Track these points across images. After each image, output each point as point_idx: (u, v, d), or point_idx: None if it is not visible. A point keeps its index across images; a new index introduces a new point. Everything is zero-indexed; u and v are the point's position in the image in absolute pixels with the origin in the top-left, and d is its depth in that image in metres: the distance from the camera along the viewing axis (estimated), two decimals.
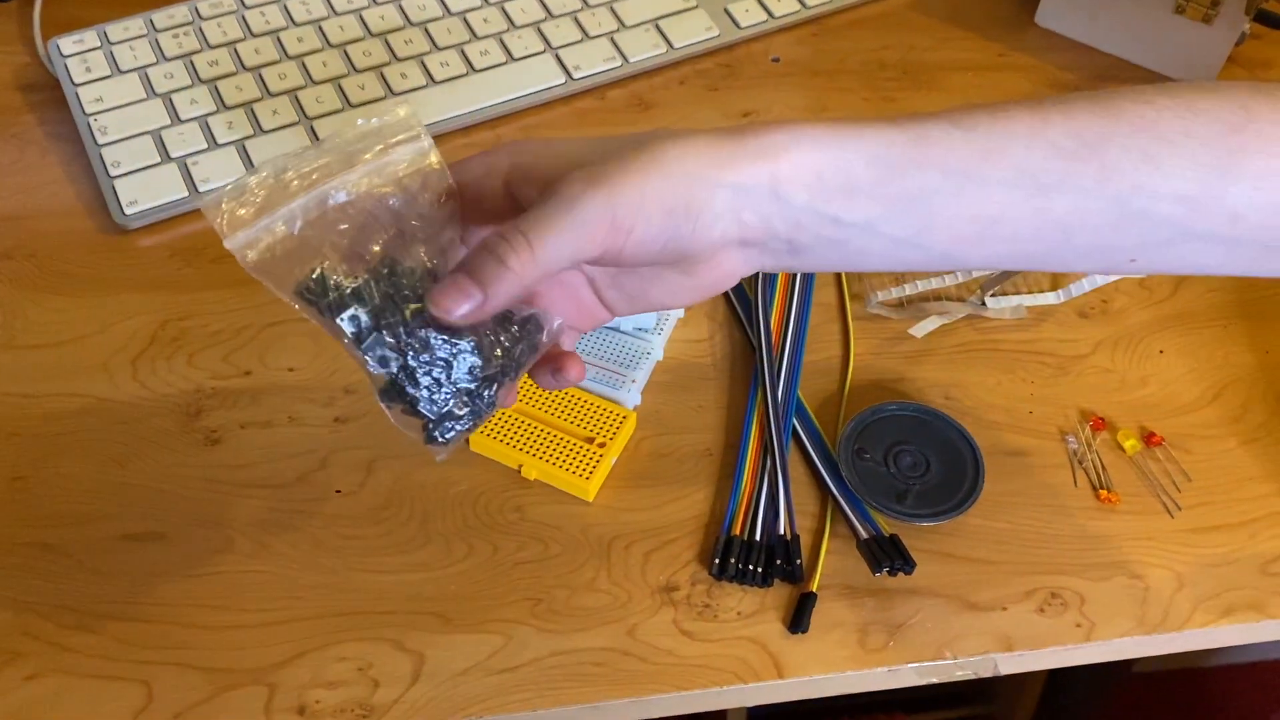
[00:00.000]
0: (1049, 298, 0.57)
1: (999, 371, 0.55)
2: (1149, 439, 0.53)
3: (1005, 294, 0.57)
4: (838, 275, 0.59)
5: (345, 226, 0.36)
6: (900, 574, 0.48)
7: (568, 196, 0.35)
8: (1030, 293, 0.57)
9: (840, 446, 0.51)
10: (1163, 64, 0.69)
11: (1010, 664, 0.47)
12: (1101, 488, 0.51)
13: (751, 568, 0.48)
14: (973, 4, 0.73)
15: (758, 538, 0.49)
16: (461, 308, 0.35)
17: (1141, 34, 0.69)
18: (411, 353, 0.36)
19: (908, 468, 0.51)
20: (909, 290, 0.57)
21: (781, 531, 0.49)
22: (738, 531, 0.49)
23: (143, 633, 0.46)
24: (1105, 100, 0.36)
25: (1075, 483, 0.52)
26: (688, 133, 0.36)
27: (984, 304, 0.56)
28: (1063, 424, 0.53)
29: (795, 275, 0.58)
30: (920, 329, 0.55)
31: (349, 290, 0.36)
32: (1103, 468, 0.52)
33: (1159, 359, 0.56)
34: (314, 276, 0.36)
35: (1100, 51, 0.71)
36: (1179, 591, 0.48)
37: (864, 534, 0.49)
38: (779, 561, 0.48)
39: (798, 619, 0.47)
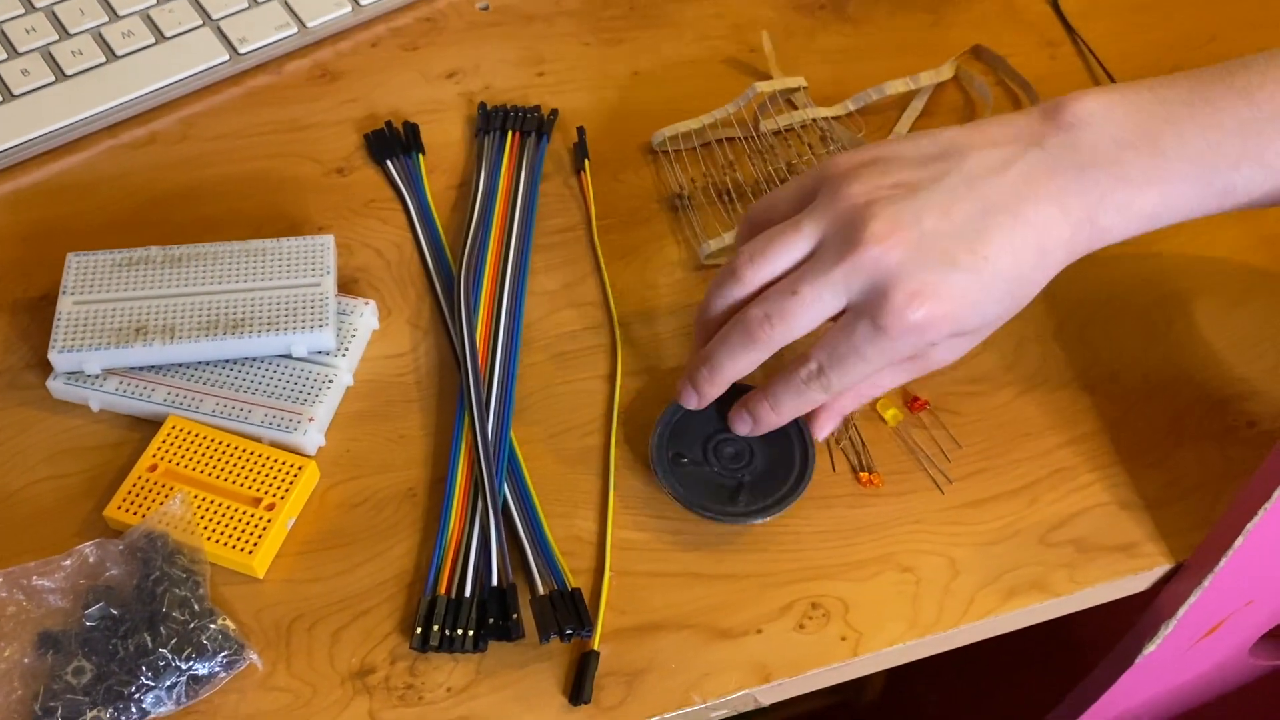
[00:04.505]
0: None
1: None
2: (912, 404, 0.47)
3: None
4: (597, 268, 0.51)
5: None
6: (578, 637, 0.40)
7: None
8: None
9: (654, 458, 0.43)
10: None
11: (771, 694, 0.41)
12: (862, 470, 0.45)
13: (460, 631, 0.40)
14: None
15: (468, 593, 0.41)
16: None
17: None
18: None
19: (730, 459, 0.44)
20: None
21: (495, 582, 0.41)
22: (444, 589, 0.41)
23: None
24: None
25: (834, 467, 0.45)
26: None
27: None
28: None
29: (506, 252, 0.50)
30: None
31: None
32: (862, 445, 0.46)
33: None
34: None
35: None
36: (954, 580, 0.43)
37: (541, 589, 0.41)
38: (493, 619, 0.40)
39: (578, 689, 0.39)
